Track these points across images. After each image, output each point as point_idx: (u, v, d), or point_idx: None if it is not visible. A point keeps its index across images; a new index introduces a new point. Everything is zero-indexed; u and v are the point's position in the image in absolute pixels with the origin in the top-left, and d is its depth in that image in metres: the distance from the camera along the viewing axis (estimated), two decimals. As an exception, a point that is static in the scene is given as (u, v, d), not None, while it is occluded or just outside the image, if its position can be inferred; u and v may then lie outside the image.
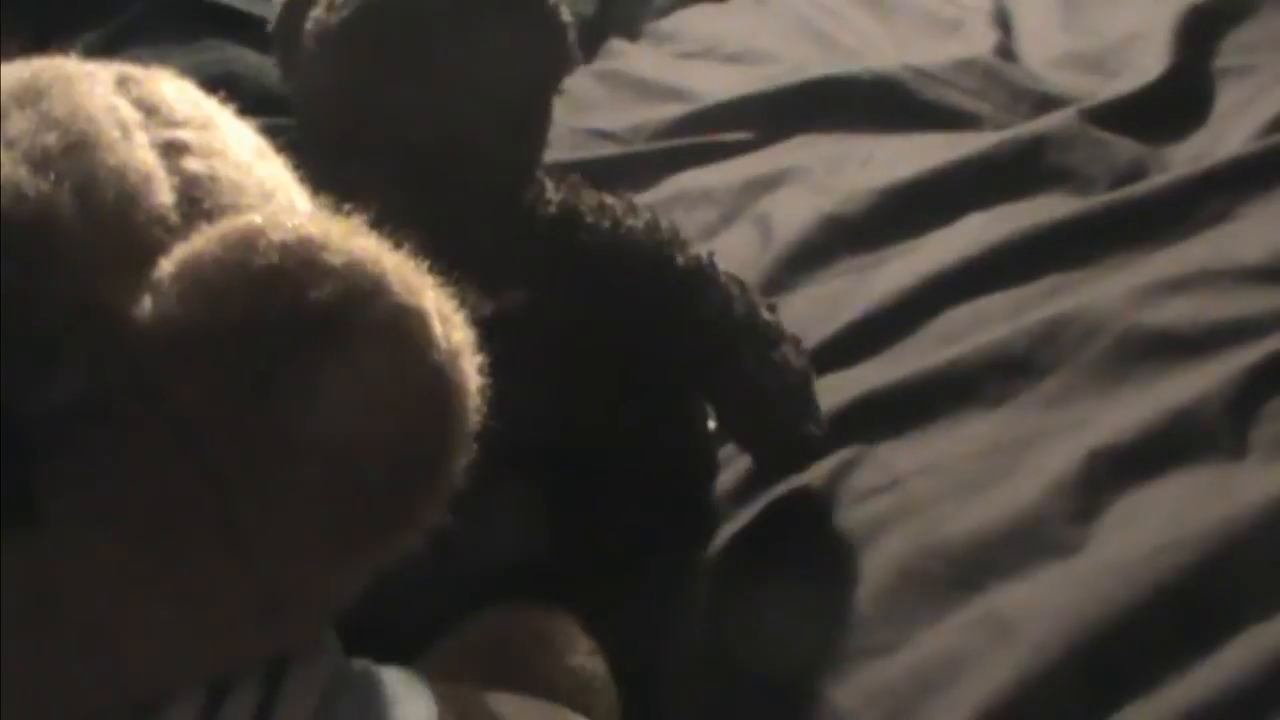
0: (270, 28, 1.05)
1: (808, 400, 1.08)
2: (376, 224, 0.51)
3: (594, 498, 1.00)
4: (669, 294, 1.03)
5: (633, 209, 1.04)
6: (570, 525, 0.98)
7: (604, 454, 1.01)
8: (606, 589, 0.98)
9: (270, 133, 0.64)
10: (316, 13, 0.97)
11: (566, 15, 0.99)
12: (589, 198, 1.03)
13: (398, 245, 0.51)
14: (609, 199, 1.04)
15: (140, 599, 0.53)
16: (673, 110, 1.79)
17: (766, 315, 1.08)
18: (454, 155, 0.95)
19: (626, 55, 2.03)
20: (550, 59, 0.99)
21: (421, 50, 0.94)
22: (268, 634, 0.58)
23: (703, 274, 1.05)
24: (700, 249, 1.06)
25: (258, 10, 2.19)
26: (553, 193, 1.02)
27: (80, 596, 0.52)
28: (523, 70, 0.97)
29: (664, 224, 1.04)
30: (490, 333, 0.91)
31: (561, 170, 1.05)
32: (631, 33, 2.11)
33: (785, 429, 1.07)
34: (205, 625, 0.55)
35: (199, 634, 0.55)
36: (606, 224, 1.02)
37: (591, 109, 1.82)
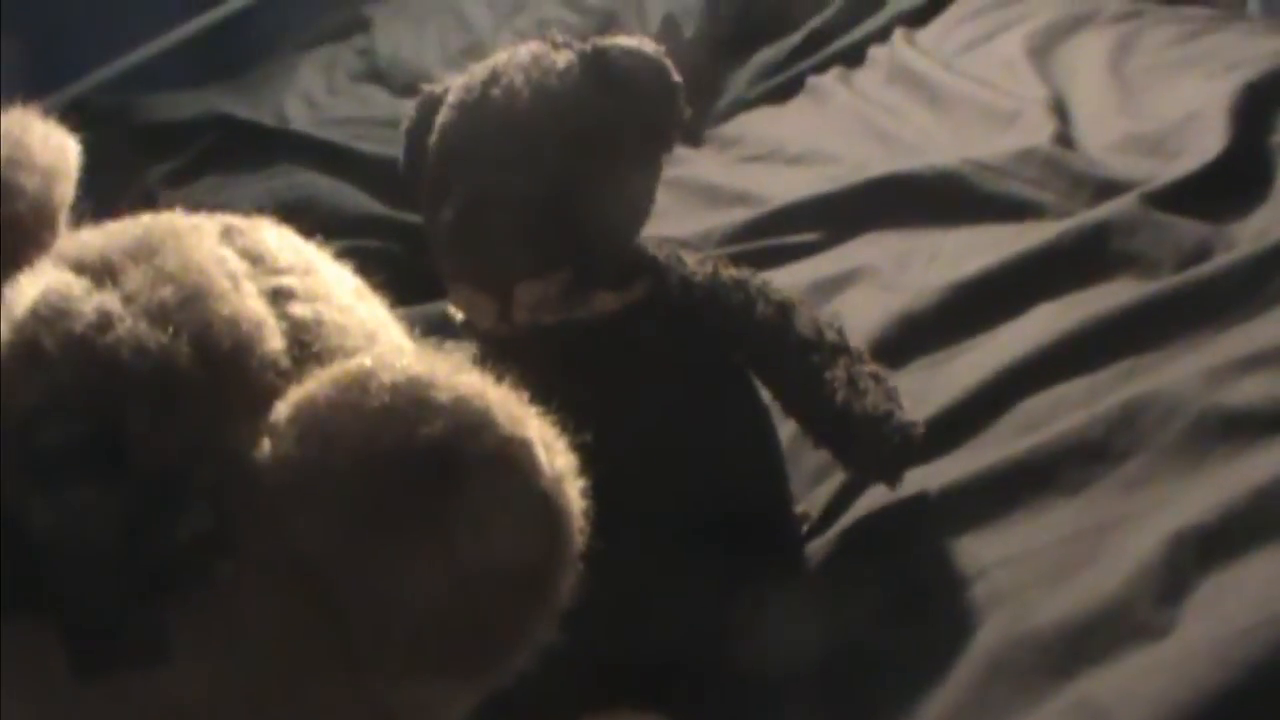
0: (403, 126, 1.13)
1: (900, 406, 1.14)
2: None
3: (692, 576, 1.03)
4: (764, 323, 1.11)
5: (728, 265, 1.15)
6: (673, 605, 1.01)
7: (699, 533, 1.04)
8: (697, 667, 1.01)
9: (349, 255, 0.68)
10: (454, 89, 1.07)
11: (676, 79, 1.08)
12: (690, 254, 1.14)
13: (499, 380, 0.54)
14: (707, 258, 1.15)
15: (262, 720, 0.55)
16: (739, 214, 1.82)
17: (858, 346, 1.17)
18: (566, 230, 1.03)
19: (690, 161, 2.06)
20: (661, 116, 1.08)
21: (530, 132, 1.03)
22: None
23: (795, 307, 1.14)
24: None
25: (325, 135, 2.25)
26: (655, 249, 1.12)
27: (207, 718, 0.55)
28: (638, 123, 1.07)
29: (758, 276, 1.15)
30: (617, 334, 1.03)
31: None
32: (694, 139, 2.15)
33: (882, 423, 1.12)
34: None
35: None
36: (709, 268, 1.12)
37: (659, 216, 1.82)
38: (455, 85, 1.07)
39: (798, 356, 1.11)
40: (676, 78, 1.07)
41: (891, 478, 1.15)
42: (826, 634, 1.08)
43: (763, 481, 1.14)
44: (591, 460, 0.56)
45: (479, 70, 1.06)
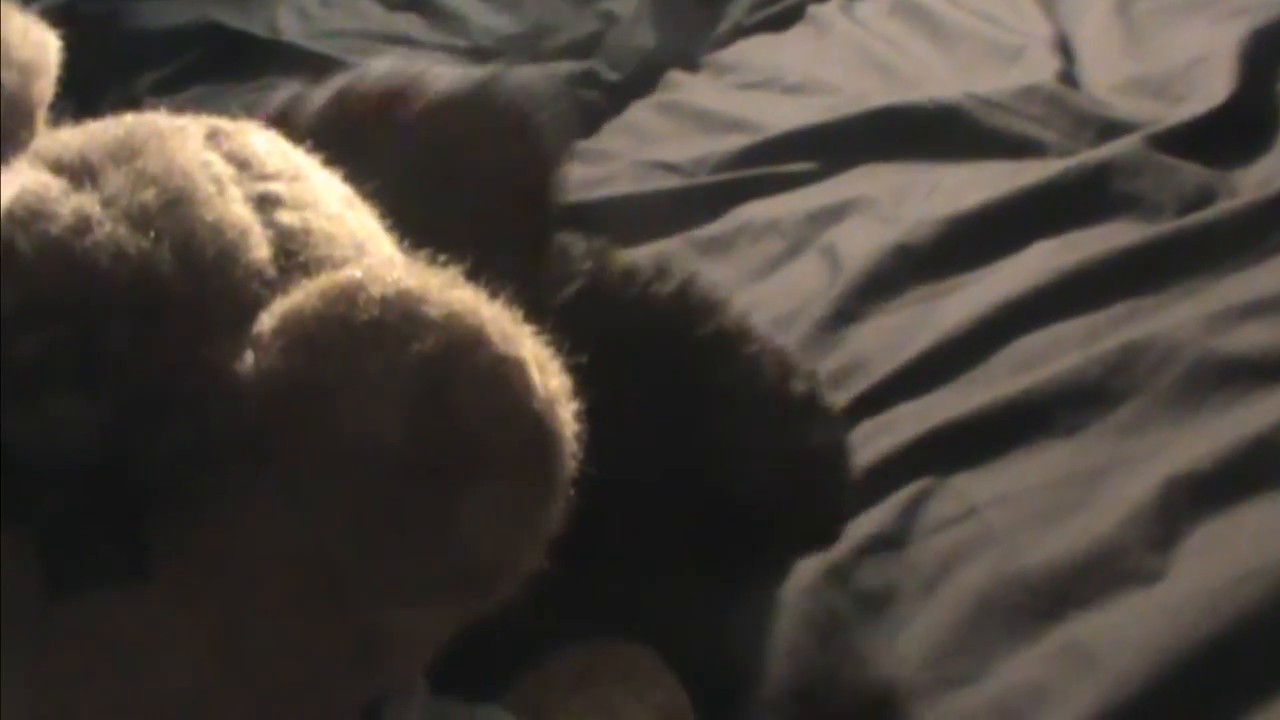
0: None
1: (829, 479, 1.08)
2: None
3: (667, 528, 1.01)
4: (687, 363, 1.01)
5: (663, 275, 1.02)
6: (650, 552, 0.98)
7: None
8: (688, 620, 0.99)
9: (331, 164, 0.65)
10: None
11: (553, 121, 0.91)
12: (618, 263, 1.01)
13: (493, 296, 0.52)
14: (640, 269, 1.02)
15: (243, 647, 0.54)
16: (735, 141, 1.79)
17: (803, 385, 1.08)
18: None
19: (687, 87, 2.03)
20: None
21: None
22: (365, 681, 0.58)
23: (725, 342, 1.03)
24: (740, 309, 1.05)
25: (317, 48, 2.22)
26: (580, 259, 0.99)
27: (185, 644, 0.53)
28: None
29: (695, 290, 1.02)
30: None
31: (584, 233, 1.03)
32: (691, 64, 2.12)
33: (802, 508, 1.07)
34: (305, 673, 0.56)
35: (298, 682, 0.56)
36: (633, 293, 0.99)
37: (654, 141, 1.84)
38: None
39: (717, 416, 1.02)
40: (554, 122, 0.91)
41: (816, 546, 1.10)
42: (814, 571, 1.07)
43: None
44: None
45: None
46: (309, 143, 0.64)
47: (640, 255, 1.06)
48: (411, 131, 0.85)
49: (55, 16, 0.69)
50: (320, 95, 0.88)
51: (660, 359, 0.99)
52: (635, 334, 0.98)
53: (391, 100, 0.86)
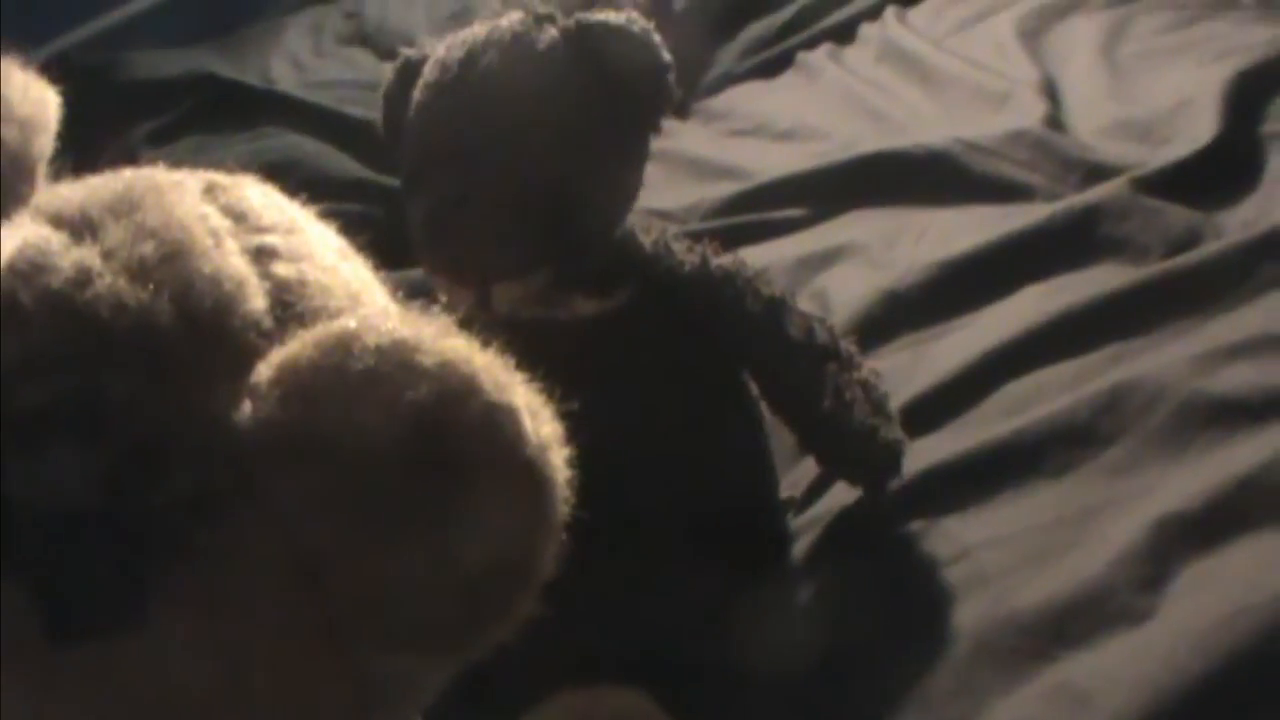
0: (380, 91, 1.08)
1: (890, 415, 1.14)
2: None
3: (675, 571, 1.02)
4: (755, 320, 1.08)
5: (718, 251, 1.11)
6: (655, 599, 1.00)
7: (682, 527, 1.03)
8: (683, 660, 1.00)
9: (331, 218, 0.66)
10: (429, 65, 1.02)
11: (666, 55, 1.02)
12: (678, 240, 1.10)
13: (486, 344, 0.52)
14: (696, 243, 1.11)
15: (242, 694, 0.54)
16: (726, 188, 1.81)
17: (847, 346, 1.14)
18: (558, 201, 0.98)
19: (678, 134, 2.05)
20: (650, 96, 1.02)
21: (531, 85, 0.99)
22: (360, 728, 0.59)
23: (786, 305, 1.11)
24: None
25: (313, 98, 2.23)
26: (644, 236, 1.07)
27: (186, 692, 0.54)
28: (627, 106, 1.01)
29: (749, 264, 1.12)
30: (594, 338, 0.99)
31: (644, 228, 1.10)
32: (682, 112, 2.13)
33: (870, 442, 1.11)
34: (305, 717, 0.56)
35: (295, 729, 0.57)
36: (697, 258, 1.08)
37: (646, 188, 1.83)
38: (432, 59, 1.02)
39: (785, 361, 1.09)
40: (667, 56, 1.02)
41: (874, 491, 1.15)
42: (810, 617, 1.08)
43: (751, 475, 1.13)
44: (573, 453, 0.55)
45: (456, 45, 1.01)
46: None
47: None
48: None
49: (50, 67, 0.70)
50: None
51: (732, 308, 1.08)
52: (708, 285, 1.08)
53: None
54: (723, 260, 1.10)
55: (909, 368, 1.37)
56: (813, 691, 1.03)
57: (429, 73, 1.01)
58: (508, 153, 0.97)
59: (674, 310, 1.06)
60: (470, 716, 0.72)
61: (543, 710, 0.92)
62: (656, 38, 1.02)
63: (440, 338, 0.51)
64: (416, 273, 1.13)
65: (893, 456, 1.13)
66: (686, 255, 1.08)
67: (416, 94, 1.02)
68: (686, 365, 1.07)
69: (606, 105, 1.00)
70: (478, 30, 1.01)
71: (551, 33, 1.00)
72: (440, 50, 1.02)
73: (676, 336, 1.06)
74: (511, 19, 1.01)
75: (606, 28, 1.00)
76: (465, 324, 0.53)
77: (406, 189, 1.02)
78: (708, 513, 1.06)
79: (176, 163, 0.65)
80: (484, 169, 0.97)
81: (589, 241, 1.02)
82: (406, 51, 1.06)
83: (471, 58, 0.99)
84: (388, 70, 1.07)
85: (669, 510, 1.04)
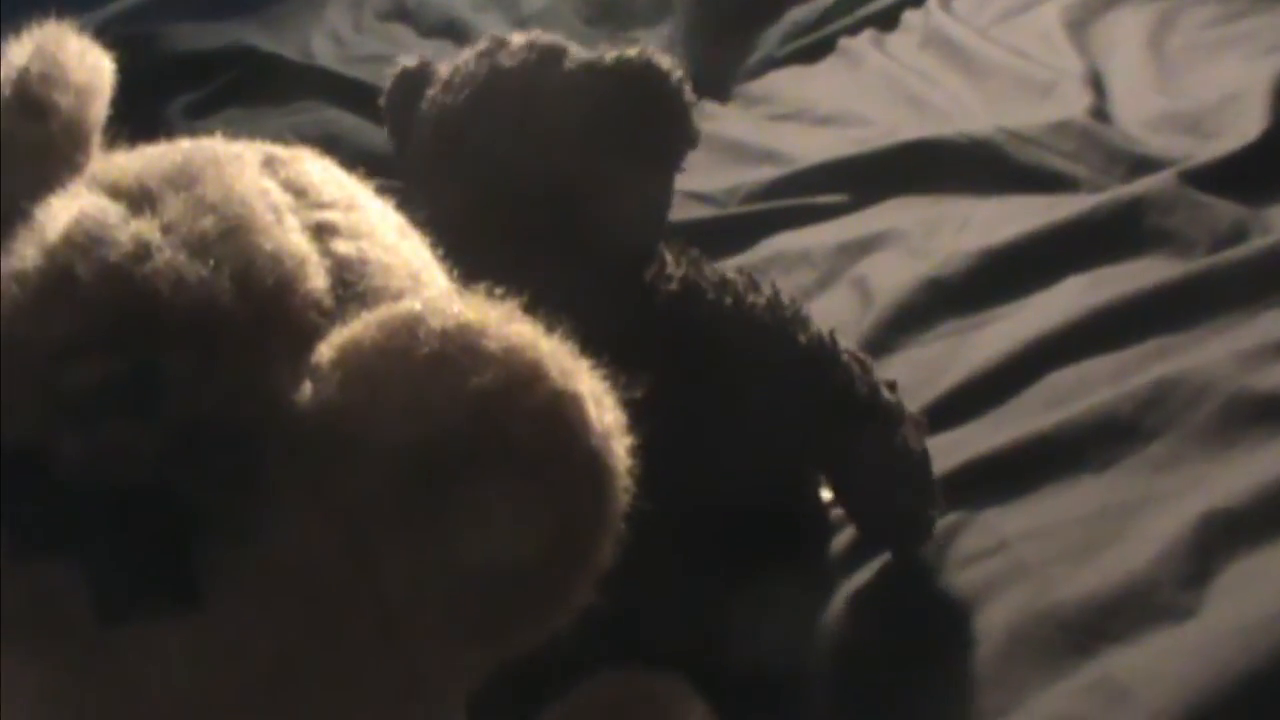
0: (380, 101, 1.06)
1: (925, 483, 1.09)
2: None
3: (713, 565, 1.01)
4: (791, 374, 1.03)
5: (754, 285, 1.04)
6: (693, 593, 0.98)
7: (720, 523, 1.01)
8: (724, 652, 0.99)
9: (380, 192, 0.66)
10: (434, 93, 0.99)
11: (690, 96, 0.98)
12: (710, 273, 1.03)
13: (551, 329, 0.52)
14: (730, 275, 1.04)
15: (292, 678, 0.54)
16: (767, 173, 1.80)
17: (888, 395, 1.08)
18: (578, 236, 0.96)
19: (719, 118, 2.04)
20: (672, 140, 0.99)
21: (545, 132, 0.95)
22: (410, 714, 0.58)
23: (825, 353, 1.05)
24: (821, 326, 1.06)
25: (353, 73, 2.23)
26: (674, 268, 1.02)
27: (236, 675, 0.53)
28: (645, 152, 0.98)
29: (786, 301, 1.05)
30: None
31: (681, 243, 1.05)
32: (723, 95, 2.12)
33: (901, 513, 1.08)
34: (352, 706, 0.56)
35: (345, 714, 0.56)
36: (729, 300, 1.02)
37: (686, 171, 1.83)
38: (432, 94, 0.98)
39: (824, 426, 1.05)
40: (689, 94, 0.98)
41: (907, 553, 1.12)
42: (848, 609, 1.07)
43: (788, 471, 1.11)
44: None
45: (463, 78, 0.97)
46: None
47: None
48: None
49: (94, 35, 0.69)
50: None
51: (765, 363, 1.02)
52: (739, 336, 1.01)
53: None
54: (757, 300, 1.03)
55: (950, 356, 1.36)
56: (850, 682, 1.03)
57: (431, 114, 0.98)
58: (517, 219, 0.95)
59: (701, 374, 0.99)
60: (507, 697, 0.72)
61: (580, 691, 0.91)
62: (679, 75, 0.98)
63: (506, 322, 0.51)
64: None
65: (922, 534, 1.10)
66: (718, 295, 1.02)
67: (418, 136, 0.99)
68: (716, 430, 1.00)
69: (624, 154, 0.96)
70: (478, 66, 0.97)
71: (561, 75, 0.96)
72: (441, 82, 0.99)
73: (705, 404, 0.99)
74: (513, 54, 0.97)
75: (625, 70, 0.96)
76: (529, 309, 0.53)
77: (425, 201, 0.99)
78: (746, 507, 1.05)
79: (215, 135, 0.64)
80: (491, 241, 0.92)
81: (609, 289, 0.98)
82: (404, 62, 1.03)
83: (476, 105, 0.96)
84: (387, 80, 1.05)
85: (705, 506, 1.02)
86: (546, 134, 0.95)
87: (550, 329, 0.52)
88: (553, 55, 0.97)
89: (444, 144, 0.97)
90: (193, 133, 0.64)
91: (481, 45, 0.99)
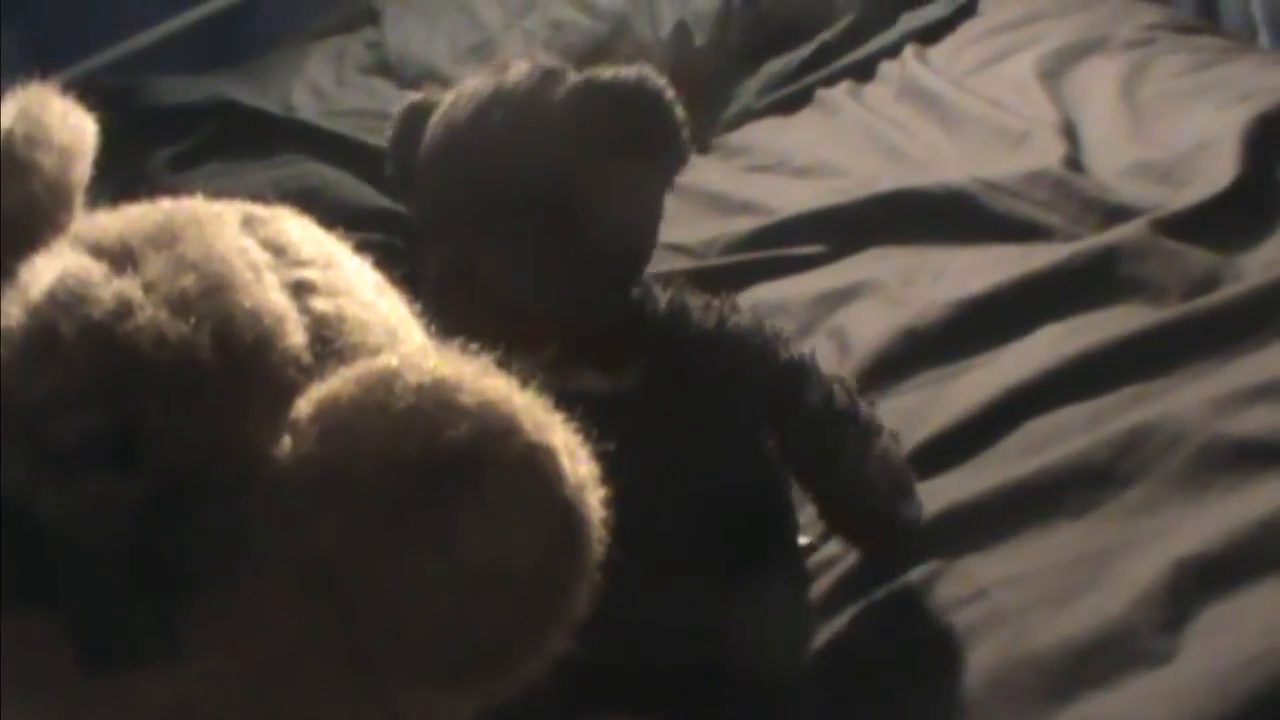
0: (387, 133, 1.08)
1: (907, 489, 1.11)
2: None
3: (693, 588, 1.02)
4: (774, 387, 1.06)
5: (736, 308, 1.08)
6: (671, 615, 0.99)
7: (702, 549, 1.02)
8: (705, 696, 1.00)
9: (359, 249, 0.66)
10: (439, 113, 1.01)
11: (680, 113, 1.00)
12: (696, 298, 1.07)
13: (524, 384, 0.53)
14: (714, 299, 1.07)
15: (270, 725, 0.55)
16: (745, 224, 1.82)
17: (866, 409, 1.11)
18: (570, 247, 0.98)
19: (697, 169, 2.04)
20: (664, 155, 1.01)
21: (543, 145, 0.97)
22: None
23: (805, 368, 1.08)
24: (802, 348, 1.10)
25: (332, 126, 2.24)
26: (660, 293, 1.05)
27: (217, 721, 0.54)
28: (638, 166, 1.00)
29: (766, 323, 1.08)
30: (606, 417, 0.96)
31: (666, 276, 1.08)
32: (701, 147, 2.13)
33: (886, 517, 1.09)
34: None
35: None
36: (713, 321, 1.05)
37: (665, 222, 1.84)
38: (438, 114, 1.01)
39: (803, 433, 1.08)
40: (680, 112, 1.00)
41: (893, 567, 1.14)
42: (827, 654, 1.08)
43: (767, 501, 1.13)
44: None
45: (464, 101, 1.00)
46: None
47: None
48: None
49: (72, 93, 0.70)
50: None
51: (749, 378, 1.05)
52: (723, 353, 1.05)
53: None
54: (740, 320, 1.06)
55: (927, 405, 1.37)
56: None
57: (437, 128, 1.00)
58: (513, 221, 0.97)
59: (689, 384, 1.03)
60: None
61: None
62: (671, 95, 1.00)
63: (480, 377, 0.52)
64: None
65: (908, 542, 1.12)
66: (703, 315, 1.05)
67: (426, 145, 1.01)
68: (705, 430, 1.04)
69: (618, 167, 0.98)
70: (483, 84, 1.00)
71: (560, 90, 0.98)
72: (447, 101, 1.01)
73: (692, 413, 1.03)
74: (518, 72, 1.00)
75: (619, 88, 0.98)
76: (503, 363, 0.54)
77: (418, 233, 1.02)
78: (727, 550, 1.06)
79: (196, 190, 0.65)
80: (488, 237, 0.97)
81: (591, 318, 1.01)
82: (410, 97, 1.06)
83: (479, 117, 0.98)
84: (393, 114, 1.07)
85: (690, 524, 1.03)
86: (545, 147, 0.97)
87: (524, 384, 0.53)
88: (553, 75, 0.99)
89: (448, 156, 1.00)
90: (176, 186, 0.65)
91: (486, 68, 1.02)
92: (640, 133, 0.98)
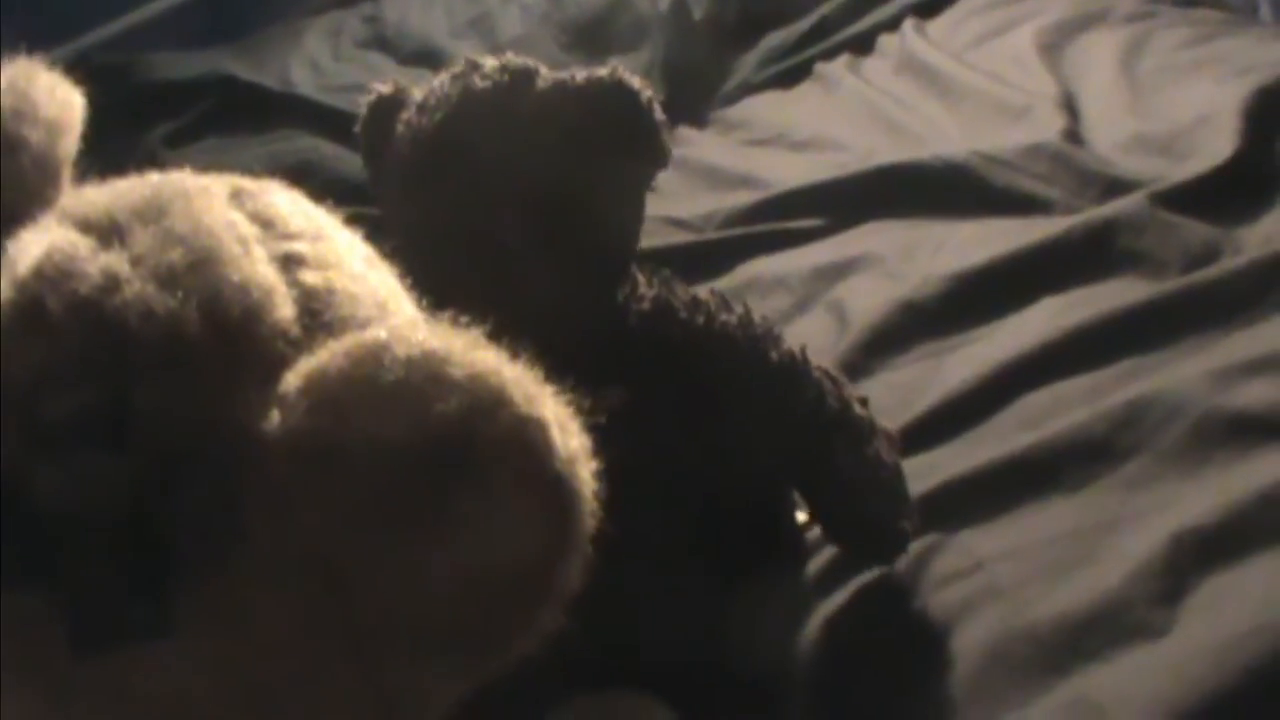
0: (356, 128, 1.07)
1: (900, 495, 1.10)
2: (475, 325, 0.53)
3: (691, 582, 1.01)
4: (763, 389, 1.03)
5: (726, 304, 1.05)
6: (667, 614, 0.99)
7: (697, 539, 1.02)
8: (703, 676, 0.99)
9: (350, 222, 0.66)
10: (408, 115, 0.99)
11: (660, 115, 0.98)
12: (683, 293, 1.04)
13: (515, 356, 0.53)
14: (702, 295, 1.05)
15: (266, 703, 0.54)
16: (743, 198, 1.81)
17: (859, 410, 1.09)
18: (548, 254, 0.96)
19: (696, 143, 2.05)
20: (642, 157, 1.00)
21: (516, 152, 0.95)
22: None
23: (796, 369, 1.05)
24: (793, 343, 1.07)
25: (329, 101, 2.23)
26: (646, 288, 1.03)
27: (210, 701, 0.54)
28: (615, 169, 0.98)
29: (757, 319, 1.05)
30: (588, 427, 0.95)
31: (652, 264, 1.06)
32: (700, 120, 2.14)
33: (877, 524, 1.08)
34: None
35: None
36: (700, 319, 1.02)
37: (663, 196, 1.85)
38: (407, 117, 0.98)
39: (793, 441, 1.05)
40: (658, 112, 0.98)
41: (885, 564, 1.13)
42: (824, 630, 1.08)
43: (765, 488, 1.12)
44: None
45: (434, 102, 0.97)
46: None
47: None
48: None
49: (69, 68, 0.70)
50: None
51: (737, 380, 1.02)
52: (711, 354, 1.02)
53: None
54: (729, 319, 1.04)
55: (925, 379, 1.37)
56: (827, 703, 1.03)
57: (403, 139, 0.98)
58: (485, 228, 0.95)
59: (676, 391, 1.00)
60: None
61: (556, 717, 0.92)
62: (648, 95, 0.98)
63: (470, 350, 0.51)
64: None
65: (899, 545, 1.11)
66: (690, 314, 1.02)
67: (392, 156, 0.99)
68: (694, 444, 1.01)
69: (594, 171, 0.97)
70: (452, 87, 0.98)
71: (532, 97, 0.96)
72: (414, 106, 0.99)
73: (680, 421, 1.00)
74: (486, 72, 0.97)
75: (593, 90, 0.97)
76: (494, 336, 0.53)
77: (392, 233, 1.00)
78: (722, 525, 1.05)
79: (194, 164, 0.65)
80: (463, 251, 0.95)
81: (579, 310, 0.99)
82: (379, 88, 1.03)
83: (450, 124, 0.96)
84: (361, 106, 1.05)
85: (682, 523, 1.03)
86: (518, 153, 0.95)
87: (515, 355, 0.53)
88: (524, 76, 0.97)
89: (417, 165, 0.98)
90: (172, 161, 0.65)
91: (455, 68, 0.99)
92: (616, 136, 0.96)
